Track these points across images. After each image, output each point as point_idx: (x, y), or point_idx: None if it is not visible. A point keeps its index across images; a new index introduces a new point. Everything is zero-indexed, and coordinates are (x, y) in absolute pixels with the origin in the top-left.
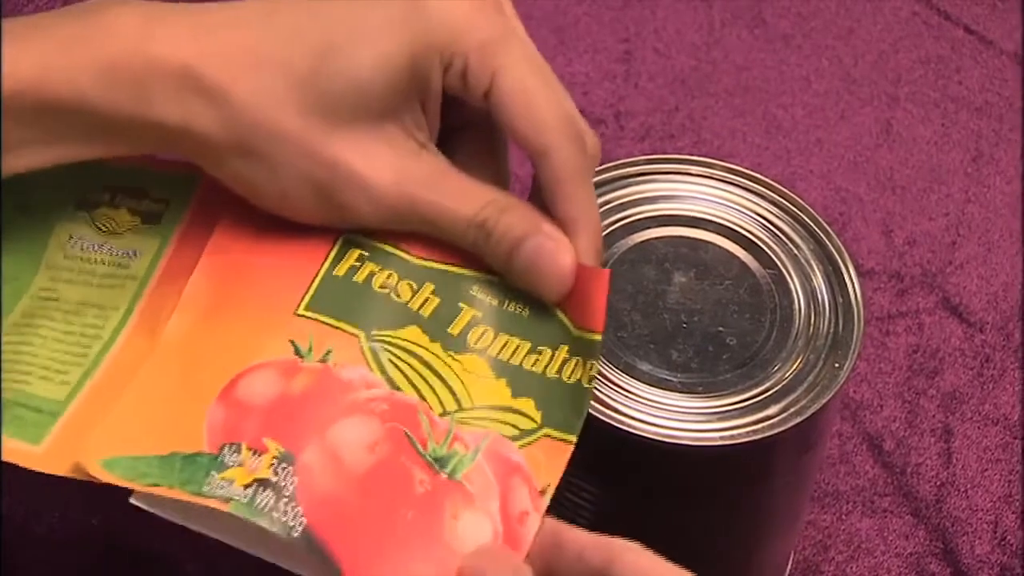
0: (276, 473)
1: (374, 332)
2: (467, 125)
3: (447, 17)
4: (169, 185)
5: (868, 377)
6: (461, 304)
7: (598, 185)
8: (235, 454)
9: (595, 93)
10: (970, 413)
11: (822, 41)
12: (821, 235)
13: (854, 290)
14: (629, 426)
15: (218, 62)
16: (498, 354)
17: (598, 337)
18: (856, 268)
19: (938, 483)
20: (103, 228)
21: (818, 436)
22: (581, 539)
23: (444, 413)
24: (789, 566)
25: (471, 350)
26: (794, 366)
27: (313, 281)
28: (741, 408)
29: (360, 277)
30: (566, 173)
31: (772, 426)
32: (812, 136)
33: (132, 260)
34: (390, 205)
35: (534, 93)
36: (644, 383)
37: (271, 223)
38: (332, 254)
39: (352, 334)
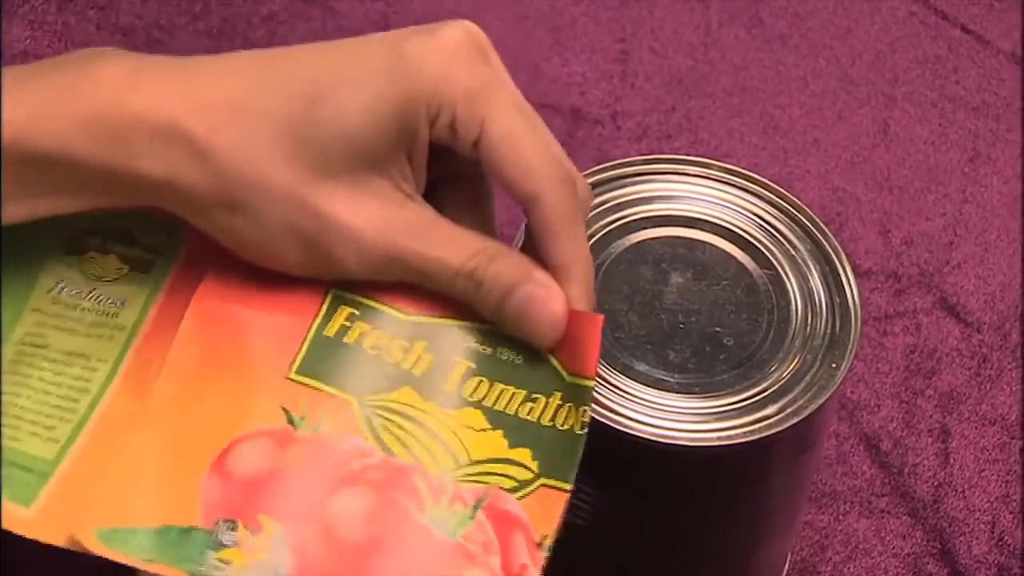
0: (272, 553)
1: (367, 397)
2: (453, 176)
3: (431, 67)
4: (159, 233)
5: (865, 377)
6: (455, 357)
7: (595, 185)
8: (230, 531)
9: (592, 93)
10: (967, 413)
11: (819, 41)
12: (818, 235)
13: (851, 290)
14: (626, 426)
15: (202, 115)
16: (493, 404)
17: (590, 383)
18: (853, 268)
19: (935, 483)
20: (92, 274)
21: (815, 436)
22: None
23: (443, 473)
24: (786, 566)
25: (466, 403)
26: (791, 366)
27: (304, 341)
28: (738, 408)
29: (351, 338)
30: (557, 217)
31: (769, 426)
32: (809, 136)
33: (120, 309)
34: (377, 256)
35: (523, 140)
36: (641, 383)
37: (259, 274)
38: (322, 311)
39: (345, 400)
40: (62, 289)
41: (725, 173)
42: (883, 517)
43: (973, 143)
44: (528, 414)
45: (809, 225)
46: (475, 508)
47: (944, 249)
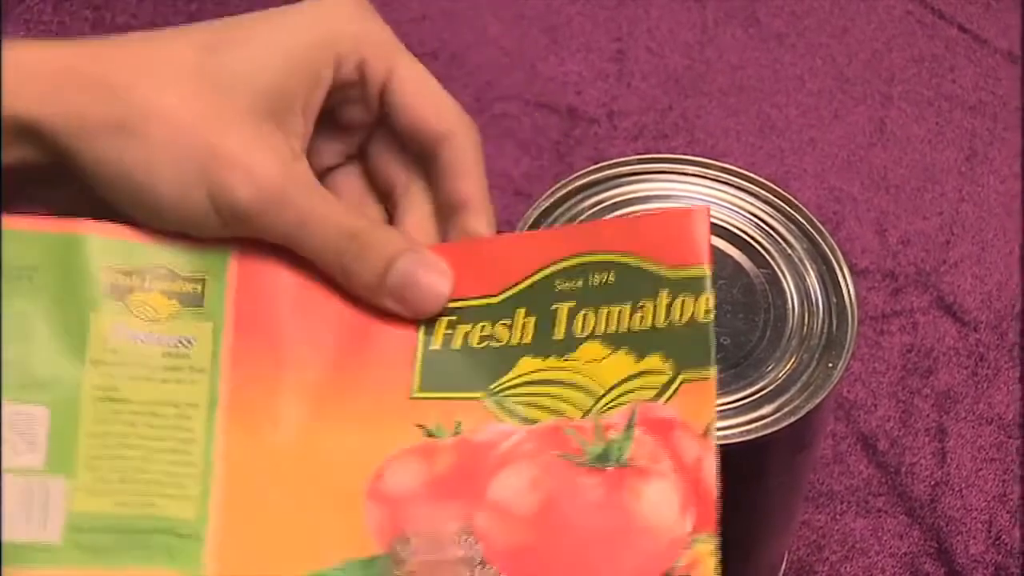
0: (463, 547)
1: (492, 387)
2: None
3: (341, 14)
4: (196, 261)
5: (862, 377)
6: (553, 306)
7: (591, 184)
8: (405, 546)
9: (588, 92)
10: (964, 412)
11: (816, 40)
12: (815, 234)
13: (848, 289)
14: None
15: (91, 57)
16: (605, 329)
17: (703, 270)
18: (850, 267)
19: (932, 483)
20: (144, 316)
21: (812, 436)
22: None
23: (586, 413)
24: (783, 566)
25: (581, 340)
26: (788, 366)
27: (415, 361)
28: (735, 408)
29: (457, 343)
30: (469, 154)
31: (766, 426)
32: (806, 135)
33: (189, 349)
34: (270, 197)
35: (432, 85)
36: None
37: (331, 304)
38: (421, 330)
39: (473, 399)
40: (118, 336)
41: (722, 172)
42: (880, 516)
43: (970, 142)
44: (641, 323)
45: (806, 224)
46: (628, 428)
47: (941, 248)
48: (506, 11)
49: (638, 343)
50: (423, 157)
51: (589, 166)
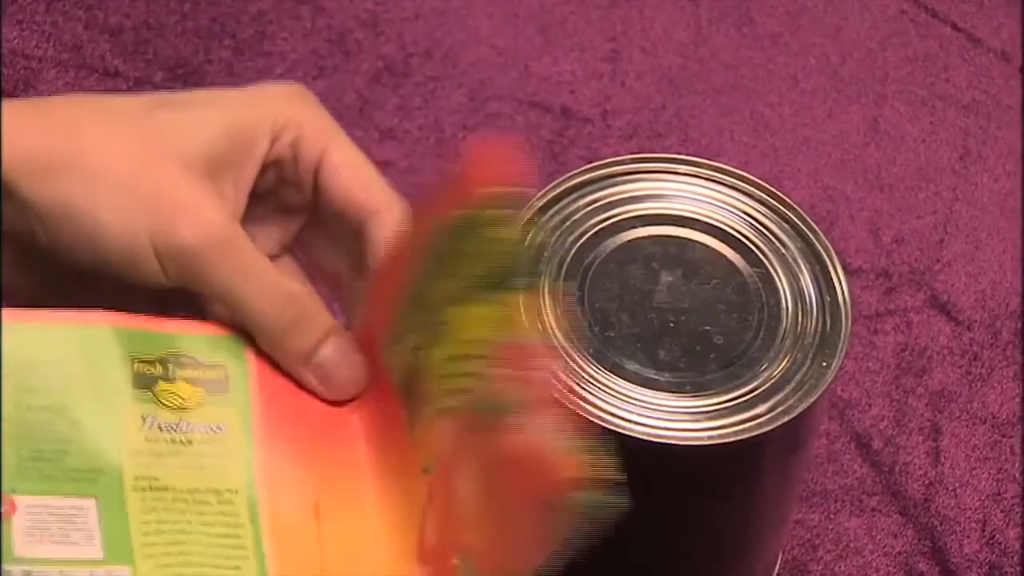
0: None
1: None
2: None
3: (282, 98)
4: (216, 347)
5: (856, 376)
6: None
7: (585, 184)
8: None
9: (582, 92)
10: (959, 412)
11: (810, 39)
12: (808, 234)
13: (841, 289)
14: (617, 425)
15: (43, 104)
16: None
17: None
18: (843, 267)
19: (926, 482)
20: (173, 404)
21: (806, 435)
22: None
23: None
24: (778, 566)
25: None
26: (782, 365)
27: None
28: (729, 407)
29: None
30: (386, 226)
31: (760, 425)
32: (799, 134)
33: (221, 434)
34: (215, 241)
35: (365, 167)
36: (632, 383)
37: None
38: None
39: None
40: (152, 425)
41: (715, 172)
42: (874, 516)
43: (964, 141)
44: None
45: (799, 224)
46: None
47: (935, 247)
48: (499, 10)
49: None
50: (355, 237)
51: (583, 165)
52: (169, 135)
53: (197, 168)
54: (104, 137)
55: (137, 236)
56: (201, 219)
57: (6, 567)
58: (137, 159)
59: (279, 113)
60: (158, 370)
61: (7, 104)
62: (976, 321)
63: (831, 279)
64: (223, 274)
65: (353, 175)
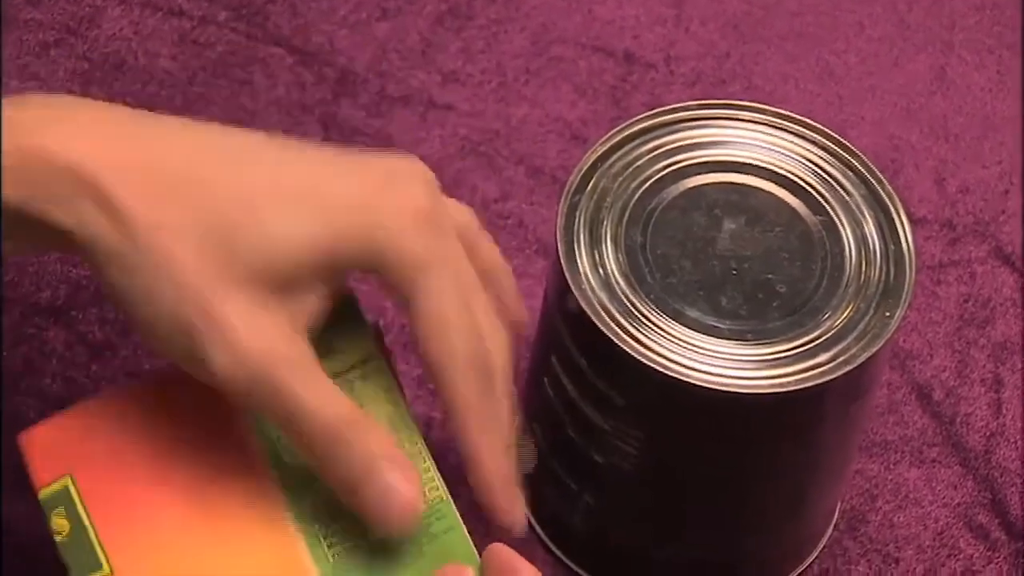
0: None
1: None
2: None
3: (387, 219)
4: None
5: (918, 326)
6: None
7: (648, 130)
8: None
9: (645, 37)
10: (1021, 363)
11: None
12: (873, 182)
13: (906, 238)
14: (678, 373)
15: (118, 170)
16: None
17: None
18: (908, 216)
19: (987, 433)
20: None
21: (867, 385)
22: None
23: None
24: (836, 515)
25: None
26: (844, 314)
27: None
28: (791, 356)
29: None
30: (460, 413)
31: (821, 374)
32: (865, 83)
33: None
34: (250, 375)
35: (448, 326)
36: (693, 330)
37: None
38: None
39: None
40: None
41: (779, 119)
42: (934, 467)
43: None
44: None
45: (864, 172)
46: None
47: (999, 198)
48: None
49: None
50: None
51: (646, 111)
52: (242, 253)
53: (268, 285)
54: (174, 245)
55: (182, 353)
56: (238, 348)
57: None
58: (196, 266)
59: (375, 250)
60: None
61: (91, 135)
62: None
63: (895, 228)
64: (261, 404)
65: (433, 338)
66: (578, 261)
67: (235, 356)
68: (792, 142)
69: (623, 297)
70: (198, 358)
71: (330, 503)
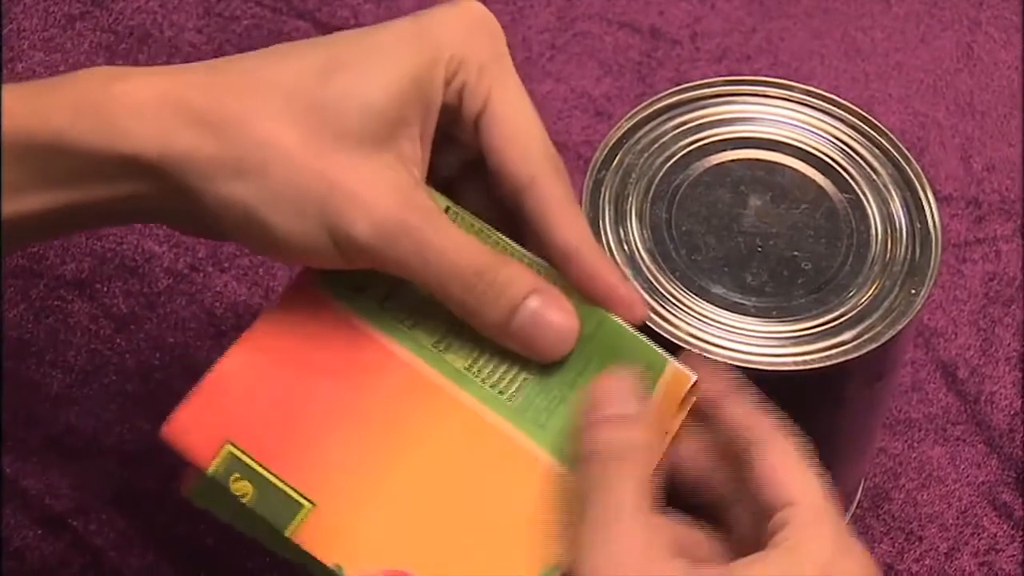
0: None
1: None
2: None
3: (452, 32)
4: None
5: (943, 304)
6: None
7: (674, 106)
8: None
9: (671, 13)
10: None
11: None
12: (899, 160)
13: (932, 216)
14: (702, 349)
15: (203, 87)
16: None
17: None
18: (935, 194)
19: (1012, 412)
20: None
21: (892, 363)
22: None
23: None
24: (859, 492)
25: None
26: (870, 292)
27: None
28: (815, 333)
29: None
30: (556, 201)
31: (846, 352)
32: (891, 59)
33: None
34: (389, 231)
35: (523, 122)
36: (718, 306)
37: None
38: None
39: None
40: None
41: (805, 95)
42: (958, 445)
43: None
44: None
45: (890, 149)
46: None
47: None
48: None
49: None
50: (514, 204)
51: (671, 87)
52: (342, 111)
53: (375, 139)
54: (271, 128)
55: (315, 233)
56: (375, 212)
57: None
58: (306, 151)
59: (452, 55)
60: None
61: (165, 76)
62: None
63: (922, 206)
64: (400, 259)
65: (510, 136)
66: (603, 237)
67: (373, 220)
68: (818, 119)
69: (648, 273)
70: (341, 235)
71: (488, 358)
